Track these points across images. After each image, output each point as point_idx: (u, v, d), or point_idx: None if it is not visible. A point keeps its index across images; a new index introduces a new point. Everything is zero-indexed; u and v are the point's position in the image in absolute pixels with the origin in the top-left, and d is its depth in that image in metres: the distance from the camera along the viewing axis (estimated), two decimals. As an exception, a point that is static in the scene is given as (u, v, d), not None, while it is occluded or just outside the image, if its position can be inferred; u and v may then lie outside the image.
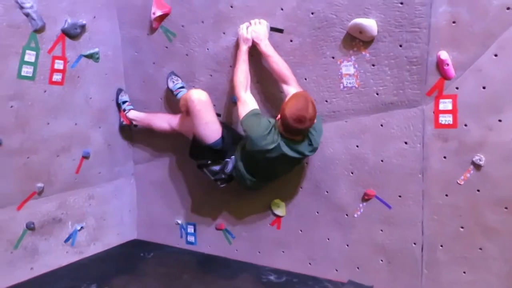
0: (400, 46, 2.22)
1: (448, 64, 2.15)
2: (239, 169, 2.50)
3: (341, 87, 2.44)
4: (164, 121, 2.87)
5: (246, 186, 2.58)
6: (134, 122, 3.05)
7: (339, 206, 2.60)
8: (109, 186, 3.27)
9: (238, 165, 2.50)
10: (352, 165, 2.52)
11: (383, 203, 2.47)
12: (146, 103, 3.15)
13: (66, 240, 2.99)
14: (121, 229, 3.38)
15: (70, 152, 2.93)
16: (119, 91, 3.10)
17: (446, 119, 2.23)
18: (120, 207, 3.37)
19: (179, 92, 2.86)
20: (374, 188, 2.48)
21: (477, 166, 2.20)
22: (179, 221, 3.26)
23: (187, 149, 2.98)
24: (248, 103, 2.38)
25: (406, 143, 2.35)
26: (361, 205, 2.54)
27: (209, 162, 2.60)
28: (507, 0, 1.99)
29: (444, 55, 2.14)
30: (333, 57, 2.41)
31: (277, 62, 2.39)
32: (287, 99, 2.26)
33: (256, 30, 2.43)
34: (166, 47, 2.92)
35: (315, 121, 2.25)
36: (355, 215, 2.57)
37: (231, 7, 2.59)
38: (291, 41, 2.50)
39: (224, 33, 2.67)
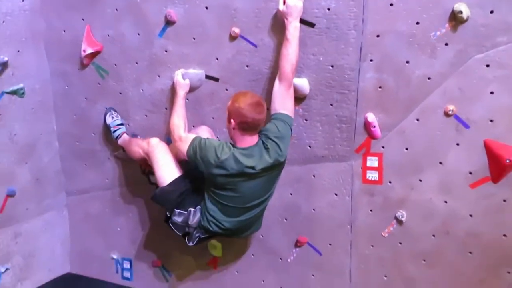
0: (331, 105, 2.28)
1: (374, 126, 2.24)
2: (210, 213, 2.24)
3: (276, 137, 2.46)
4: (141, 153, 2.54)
5: (225, 230, 2.29)
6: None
7: (274, 250, 2.66)
8: (38, 221, 3.12)
9: (209, 209, 2.24)
10: (286, 211, 2.58)
11: (314, 250, 2.55)
12: (78, 137, 3.03)
13: (-11, 285, 2.83)
14: (52, 264, 3.25)
15: (-8, 192, 2.76)
16: (107, 110, 2.83)
17: (372, 175, 2.34)
18: (51, 241, 3.23)
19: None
20: (306, 235, 2.56)
21: (400, 221, 2.33)
22: (115, 256, 3.19)
23: (124, 180, 2.97)
24: (188, 137, 2.23)
25: (336, 194, 2.44)
26: (294, 250, 2.61)
27: (168, 214, 2.33)
28: (427, 70, 2.11)
29: (371, 117, 2.23)
30: (268, 109, 2.42)
31: (290, 54, 2.09)
32: (231, 101, 2.12)
33: (291, 4, 2.07)
34: (99, 84, 2.80)
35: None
36: (289, 260, 2.64)
37: (166, 51, 2.53)
38: (226, 89, 2.48)
39: (159, 76, 2.61)
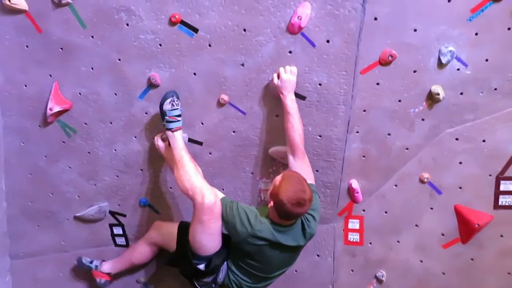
0: (317, 171, 2.37)
1: (358, 192, 2.37)
2: (235, 273, 2.15)
3: (259, 200, 2.49)
4: (143, 245, 2.53)
5: None
6: (113, 272, 2.64)
7: (255, 311, 2.64)
8: (-22, 291, 2.75)
9: (233, 269, 2.15)
10: (268, 273, 2.58)
11: (296, 310, 2.58)
12: (31, 197, 2.75)
13: None
14: (-8, 337, 2.87)
15: None
16: (79, 258, 2.74)
17: (354, 237, 2.46)
18: (-8, 312, 2.86)
19: (173, 122, 2.24)
20: (288, 295, 2.58)
21: (380, 280, 2.47)
22: (71, 327, 2.91)
23: (84, 243, 2.77)
24: (217, 194, 2.10)
25: (318, 255, 2.51)
26: (276, 311, 2.61)
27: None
28: (406, 142, 2.30)
29: (355, 184, 2.36)
30: (252, 173, 2.45)
31: (294, 125, 2.13)
32: (277, 181, 1.98)
33: (285, 79, 2.14)
34: (63, 142, 2.59)
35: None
36: (271, 319, 2.63)
37: (146, 113, 2.43)
38: (210, 153, 2.45)
39: (135, 137, 2.49)
